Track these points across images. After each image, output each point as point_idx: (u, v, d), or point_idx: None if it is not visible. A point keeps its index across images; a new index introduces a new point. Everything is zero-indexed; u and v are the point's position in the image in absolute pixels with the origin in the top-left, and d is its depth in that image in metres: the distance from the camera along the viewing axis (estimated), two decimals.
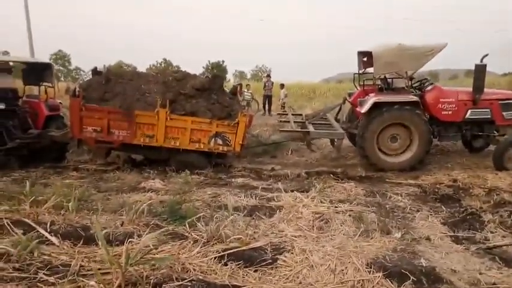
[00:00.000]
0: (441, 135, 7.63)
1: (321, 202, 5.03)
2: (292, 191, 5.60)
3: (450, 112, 7.34)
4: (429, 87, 7.69)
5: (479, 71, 7.23)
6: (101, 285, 2.77)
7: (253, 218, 4.47)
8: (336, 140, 8.04)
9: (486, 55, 7.19)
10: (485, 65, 7.21)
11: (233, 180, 6.68)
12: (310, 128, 7.97)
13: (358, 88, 8.26)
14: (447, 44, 7.18)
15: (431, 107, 7.37)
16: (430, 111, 7.40)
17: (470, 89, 7.35)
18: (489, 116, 7.38)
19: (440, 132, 7.58)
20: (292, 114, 9.54)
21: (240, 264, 3.34)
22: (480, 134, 7.63)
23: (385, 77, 7.89)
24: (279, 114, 10.63)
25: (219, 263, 3.36)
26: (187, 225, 4.11)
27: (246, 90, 16.19)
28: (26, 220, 4.23)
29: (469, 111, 7.34)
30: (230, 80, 38.62)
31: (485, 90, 7.37)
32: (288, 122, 8.84)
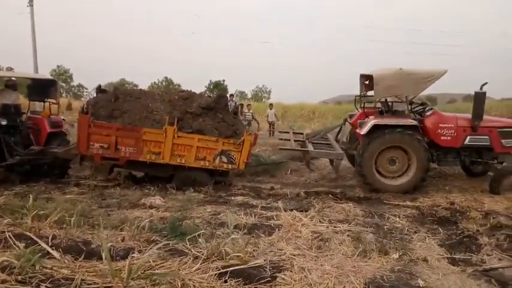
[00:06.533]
0: (440, 160, 7.66)
1: (319, 222, 5.09)
2: (291, 210, 5.63)
3: (449, 138, 7.40)
4: (429, 112, 7.81)
5: (479, 98, 7.33)
6: None
7: (253, 236, 4.51)
8: (334, 160, 8.14)
9: (485, 83, 7.31)
10: (485, 93, 7.32)
11: (232, 198, 6.73)
12: (310, 147, 8.08)
13: (359, 110, 8.37)
14: (447, 71, 7.32)
15: (430, 131, 7.44)
16: (429, 135, 7.47)
17: (470, 115, 7.44)
18: (488, 143, 7.40)
19: (439, 157, 7.61)
20: (293, 133, 9.68)
21: (239, 281, 3.38)
22: (479, 160, 7.66)
23: (385, 100, 8.02)
24: (280, 132, 10.76)
25: (219, 279, 3.40)
26: (187, 242, 4.16)
27: (247, 110, 16.50)
28: (28, 234, 4.29)
29: (468, 137, 7.38)
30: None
31: (485, 117, 7.46)
32: (289, 140, 8.98)
